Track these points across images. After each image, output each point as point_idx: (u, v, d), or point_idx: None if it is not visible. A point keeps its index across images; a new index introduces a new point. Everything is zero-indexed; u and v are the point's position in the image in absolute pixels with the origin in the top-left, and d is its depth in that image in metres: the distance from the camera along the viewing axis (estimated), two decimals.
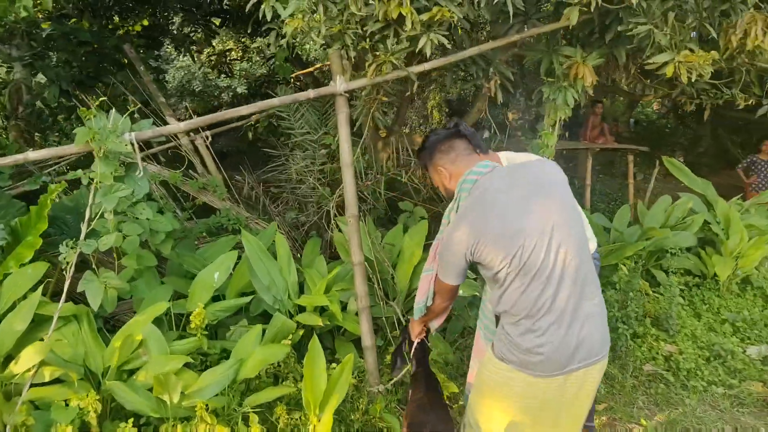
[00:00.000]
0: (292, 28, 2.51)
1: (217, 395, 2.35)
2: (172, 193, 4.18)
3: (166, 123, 4.39)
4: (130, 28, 6.69)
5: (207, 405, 2.21)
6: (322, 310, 3.06)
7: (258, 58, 11.47)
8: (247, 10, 2.91)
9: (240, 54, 11.87)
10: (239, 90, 12.23)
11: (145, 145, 4.30)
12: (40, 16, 5.46)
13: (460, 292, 2.72)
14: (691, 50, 2.75)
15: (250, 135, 5.36)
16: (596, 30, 3.14)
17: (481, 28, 4.04)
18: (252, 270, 3.05)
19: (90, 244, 2.33)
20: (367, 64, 2.67)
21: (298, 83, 7.60)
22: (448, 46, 2.57)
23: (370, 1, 2.47)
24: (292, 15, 2.50)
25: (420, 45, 2.52)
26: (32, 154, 2.37)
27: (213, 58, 10.07)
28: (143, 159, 2.46)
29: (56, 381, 2.31)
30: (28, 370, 2.23)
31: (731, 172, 8.40)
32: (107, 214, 2.35)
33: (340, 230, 3.64)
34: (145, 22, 6.73)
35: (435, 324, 2.23)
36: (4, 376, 2.24)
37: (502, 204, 1.65)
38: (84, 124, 2.26)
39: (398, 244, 3.58)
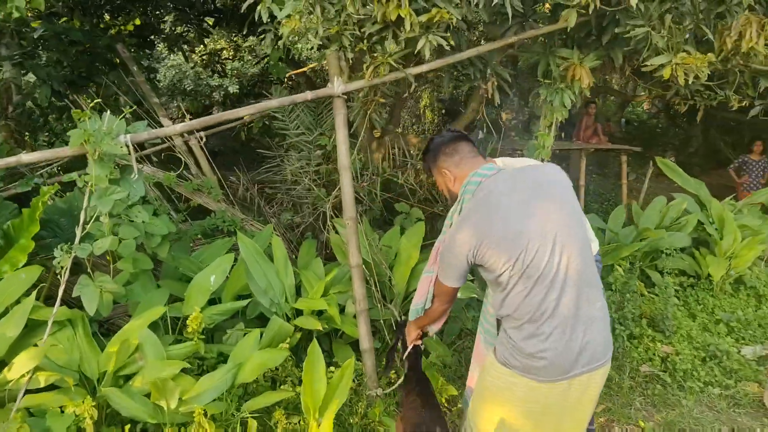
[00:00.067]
0: (289, 29, 2.49)
1: (214, 400, 2.33)
2: (167, 195, 4.14)
3: (159, 124, 4.35)
4: (122, 27, 6.62)
5: (205, 410, 2.19)
6: (319, 313, 3.04)
7: (250, 57, 11.42)
8: (242, 11, 2.88)
9: (232, 53, 11.80)
10: (231, 89, 12.16)
11: (138, 146, 4.24)
12: (30, 14, 5.38)
13: (458, 294, 2.71)
14: (688, 52, 2.75)
15: (243, 135, 5.33)
16: (593, 32, 3.14)
17: (474, 28, 4.03)
18: (248, 273, 3.02)
19: (85, 248, 2.29)
20: (364, 65, 2.65)
21: (290, 82, 7.58)
22: (447, 48, 2.56)
23: (368, 3, 2.45)
24: (288, 16, 2.48)
25: (419, 46, 2.50)
26: (26, 157, 2.33)
27: (205, 57, 10.01)
28: (137, 160, 2.43)
29: (51, 387, 2.28)
30: (23, 376, 2.20)
31: (722, 172, 8.47)
32: (102, 217, 2.32)
33: (336, 232, 3.61)
34: (137, 22, 6.66)
35: (434, 328, 2.21)
36: None
37: (505, 207, 1.64)
38: (75, 126, 2.22)
39: (395, 246, 3.57)
